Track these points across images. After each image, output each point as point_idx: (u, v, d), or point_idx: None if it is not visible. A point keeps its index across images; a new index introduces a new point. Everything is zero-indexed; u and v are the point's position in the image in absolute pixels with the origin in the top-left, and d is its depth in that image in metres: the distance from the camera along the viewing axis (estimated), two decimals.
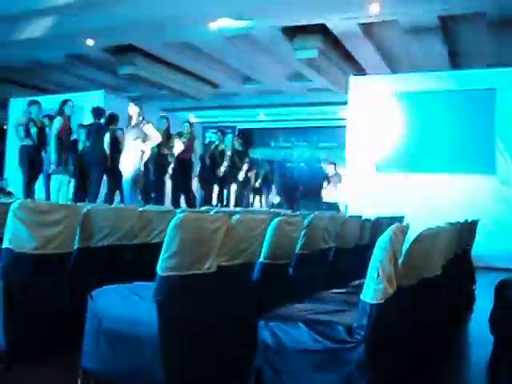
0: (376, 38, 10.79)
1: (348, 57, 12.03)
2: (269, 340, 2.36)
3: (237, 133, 13.95)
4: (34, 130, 9.54)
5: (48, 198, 9.42)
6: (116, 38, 11.29)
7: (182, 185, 10.30)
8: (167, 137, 9.97)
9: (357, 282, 3.12)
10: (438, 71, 10.99)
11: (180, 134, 10.46)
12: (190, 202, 10.23)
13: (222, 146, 11.73)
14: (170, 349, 2.59)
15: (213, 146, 11.87)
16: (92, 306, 2.80)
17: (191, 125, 10.78)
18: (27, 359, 3.03)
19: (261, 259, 3.45)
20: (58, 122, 9.27)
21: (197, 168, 11.16)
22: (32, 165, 9.46)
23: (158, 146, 9.71)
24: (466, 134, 10.16)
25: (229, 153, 11.57)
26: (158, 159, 9.80)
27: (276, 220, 3.46)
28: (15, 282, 3.12)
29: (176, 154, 10.22)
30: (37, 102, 9.86)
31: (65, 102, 9.53)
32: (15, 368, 2.94)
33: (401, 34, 10.18)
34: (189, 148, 10.35)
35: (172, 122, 10.41)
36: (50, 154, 9.28)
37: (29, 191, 9.34)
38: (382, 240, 2.16)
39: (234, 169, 11.67)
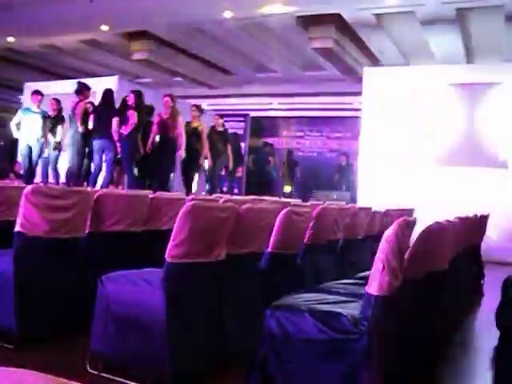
0: (392, 29, 10.72)
1: (363, 47, 11.97)
2: (274, 329, 2.39)
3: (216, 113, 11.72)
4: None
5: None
6: (130, 23, 11.30)
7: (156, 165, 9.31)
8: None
9: (364, 273, 3.13)
10: (453, 64, 10.93)
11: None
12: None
13: (195, 124, 10.05)
14: (177, 335, 2.64)
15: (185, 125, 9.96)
16: (101, 290, 2.84)
17: (173, 99, 9.47)
18: (37, 341, 3.08)
19: (269, 249, 3.48)
20: None
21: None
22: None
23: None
24: (478, 127, 10.11)
25: (205, 133, 10.13)
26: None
27: (285, 210, 3.49)
28: (27, 265, 3.17)
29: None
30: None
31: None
32: (25, 349, 2.99)
33: (417, 25, 10.10)
34: (166, 125, 9.24)
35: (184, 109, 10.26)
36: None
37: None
38: (388, 233, 2.18)
39: (215, 153, 10.46)
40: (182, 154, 9.31)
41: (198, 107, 10.35)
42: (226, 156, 10.88)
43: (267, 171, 14.84)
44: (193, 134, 9.85)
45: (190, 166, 9.93)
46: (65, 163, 9.87)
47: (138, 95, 9.07)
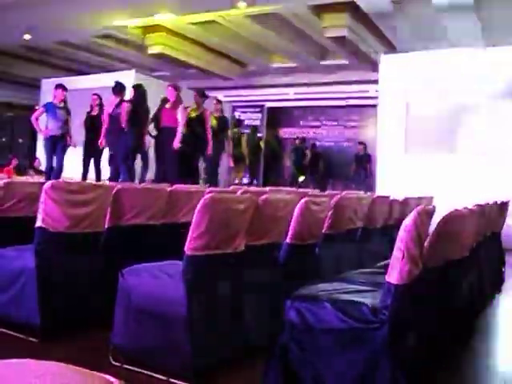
0: (407, 15, 10.60)
1: (378, 34, 11.86)
2: (295, 319, 2.39)
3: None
4: None
5: None
6: (144, 17, 11.31)
7: (158, 158, 9.12)
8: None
9: (384, 263, 3.13)
10: (471, 48, 10.78)
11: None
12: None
13: (201, 110, 9.55)
14: (198, 327, 2.65)
15: (189, 112, 9.63)
16: (122, 283, 2.87)
17: (176, 88, 9.13)
18: (60, 335, 3.13)
19: (287, 239, 3.48)
20: None
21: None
22: None
23: None
24: (502, 109, 9.95)
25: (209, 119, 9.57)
26: None
27: (303, 200, 3.48)
28: (49, 260, 3.21)
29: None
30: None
31: None
32: (49, 342, 3.04)
33: (433, 10, 9.97)
34: (165, 115, 8.97)
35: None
36: None
37: None
38: (407, 221, 2.17)
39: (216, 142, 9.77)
40: (176, 144, 8.73)
41: (201, 93, 9.79)
42: (224, 143, 10.23)
43: (305, 165, 15.79)
44: (197, 122, 9.40)
45: (195, 154, 9.53)
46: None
47: (136, 88, 9.03)
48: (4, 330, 3.17)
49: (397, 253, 2.16)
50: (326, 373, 2.32)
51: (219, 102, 10.66)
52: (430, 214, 2.44)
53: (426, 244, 2.44)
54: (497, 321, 4.59)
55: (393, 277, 2.18)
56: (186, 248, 2.66)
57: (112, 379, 0.72)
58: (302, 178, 15.71)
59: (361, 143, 15.25)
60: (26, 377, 0.65)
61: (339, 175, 16.12)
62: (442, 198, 7.44)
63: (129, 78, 11.93)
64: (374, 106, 11.90)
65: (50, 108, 9.29)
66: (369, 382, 2.22)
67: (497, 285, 5.48)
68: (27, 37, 12.32)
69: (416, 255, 2.25)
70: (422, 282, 2.39)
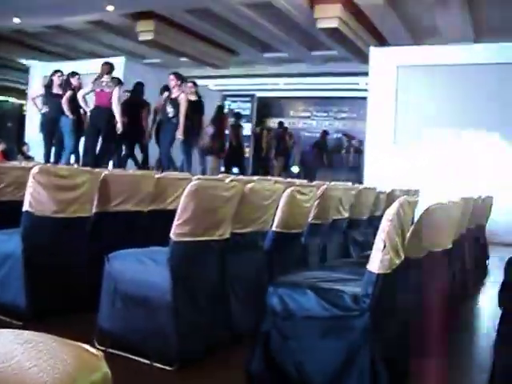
0: (399, 8, 10.62)
1: (370, 27, 11.86)
2: (277, 306, 2.43)
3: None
4: None
5: None
6: (137, 3, 11.24)
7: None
8: None
9: (368, 252, 3.16)
10: (461, 44, 10.82)
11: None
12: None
13: (175, 94, 9.05)
14: (183, 313, 2.68)
15: (164, 96, 9.49)
16: (108, 268, 2.89)
17: (110, 66, 8.91)
18: (45, 318, 3.13)
19: (273, 228, 3.51)
20: None
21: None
22: None
23: None
24: (489, 107, 10.00)
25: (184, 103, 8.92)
26: None
27: (289, 190, 3.51)
28: (35, 245, 3.22)
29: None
30: None
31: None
32: (32, 326, 3.04)
33: (425, 4, 10.00)
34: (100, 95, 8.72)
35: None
36: None
37: None
38: (389, 211, 2.20)
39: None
40: (119, 126, 8.53)
41: (178, 75, 9.28)
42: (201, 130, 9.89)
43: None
44: (173, 106, 8.97)
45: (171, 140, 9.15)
46: None
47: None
48: None
49: (378, 242, 2.20)
50: (307, 360, 2.35)
51: (194, 84, 9.90)
52: (412, 204, 2.48)
53: (408, 235, 2.48)
54: (478, 313, 4.66)
55: (374, 266, 2.22)
56: (171, 234, 2.68)
57: (94, 351, 0.74)
58: (296, 169, 15.70)
59: (345, 134, 15.32)
60: (9, 343, 0.67)
61: (328, 166, 16.20)
62: (429, 192, 7.50)
63: (119, 64, 11.86)
64: (365, 98, 11.92)
65: None
66: (349, 370, 2.26)
67: (480, 277, 5.56)
68: (17, 20, 12.21)
69: (398, 245, 2.29)
70: (403, 272, 2.43)
